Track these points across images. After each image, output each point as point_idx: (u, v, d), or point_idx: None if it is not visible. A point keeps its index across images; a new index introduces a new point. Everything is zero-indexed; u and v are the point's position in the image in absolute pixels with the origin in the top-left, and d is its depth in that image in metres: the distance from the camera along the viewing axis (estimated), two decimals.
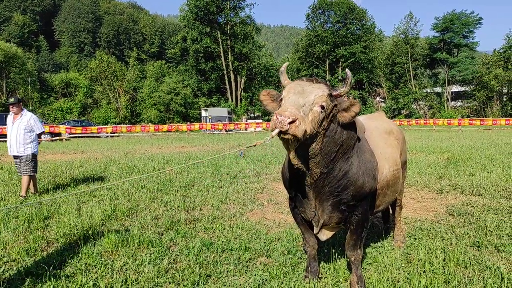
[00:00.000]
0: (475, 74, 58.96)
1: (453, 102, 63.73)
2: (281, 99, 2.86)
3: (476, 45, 63.98)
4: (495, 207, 6.08)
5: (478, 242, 4.50)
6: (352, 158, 3.09)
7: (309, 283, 3.47)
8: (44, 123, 30.97)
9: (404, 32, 63.50)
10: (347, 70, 2.96)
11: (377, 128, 3.94)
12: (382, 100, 67.49)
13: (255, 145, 3.07)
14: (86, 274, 3.71)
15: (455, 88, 63.86)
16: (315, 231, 3.31)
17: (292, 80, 3.04)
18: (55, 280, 3.54)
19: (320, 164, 2.92)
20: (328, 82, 2.98)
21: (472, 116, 52.07)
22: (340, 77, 61.41)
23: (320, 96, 2.76)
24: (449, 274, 3.62)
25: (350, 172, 3.06)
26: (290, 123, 2.51)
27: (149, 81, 59.21)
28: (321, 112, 2.75)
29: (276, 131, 2.60)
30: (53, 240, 4.80)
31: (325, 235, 3.42)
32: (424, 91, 62.70)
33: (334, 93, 2.90)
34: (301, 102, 2.70)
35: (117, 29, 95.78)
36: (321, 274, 3.73)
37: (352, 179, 3.07)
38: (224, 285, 3.53)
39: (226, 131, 38.43)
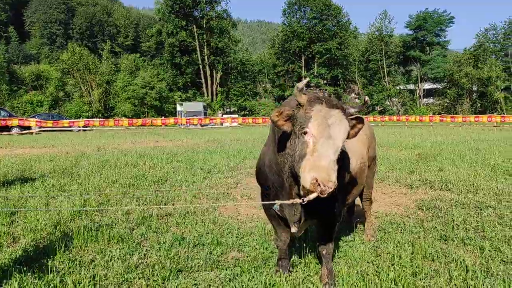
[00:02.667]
0: (446, 72, 60.50)
1: (425, 99, 65.24)
2: (303, 127, 2.64)
3: (448, 44, 65.72)
4: (462, 202, 6.24)
5: (445, 235, 4.61)
6: None
7: (280, 277, 3.48)
8: (14, 117, 30.14)
9: (379, 30, 64.55)
10: (367, 97, 2.89)
11: None
12: (357, 97, 68.41)
13: (291, 203, 2.95)
14: (53, 271, 3.62)
15: (427, 86, 65.40)
16: (294, 230, 3.28)
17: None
18: (20, 276, 3.44)
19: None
20: (338, 101, 2.82)
21: (443, 113, 53.41)
22: (315, 73, 61.85)
23: (345, 137, 2.68)
24: (416, 267, 3.69)
25: None
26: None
27: (123, 75, 58.28)
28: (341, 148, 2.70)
29: (315, 195, 2.54)
30: (20, 235, 4.67)
31: (300, 231, 3.44)
32: (398, 88, 63.97)
33: (348, 111, 2.78)
34: (334, 155, 2.56)
35: (90, 21, 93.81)
36: (292, 268, 3.75)
37: None
38: (195, 280, 3.50)
39: (201, 125, 38.21)
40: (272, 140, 3.20)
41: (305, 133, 2.63)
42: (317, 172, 2.44)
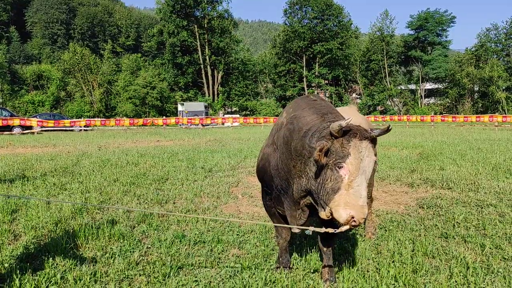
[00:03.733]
0: (448, 72, 60.39)
1: (426, 99, 65.14)
2: (340, 160, 2.59)
3: (449, 44, 65.51)
4: (463, 200, 6.24)
5: (446, 233, 4.61)
6: None
7: (281, 274, 3.49)
8: (15, 116, 30.18)
9: (380, 30, 64.43)
10: (390, 125, 2.89)
11: None
12: (358, 97, 68.38)
13: (323, 231, 2.97)
14: (54, 267, 3.63)
15: (429, 86, 65.30)
16: (296, 230, 3.28)
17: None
18: (21, 273, 3.45)
19: None
20: (368, 131, 2.73)
21: (444, 113, 53.33)
22: (317, 73, 61.81)
23: (373, 168, 2.74)
24: (417, 264, 3.70)
25: None
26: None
27: (124, 75, 58.27)
28: None
29: (347, 227, 2.62)
30: (21, 233, 4.68)
31: (299, 229, 3.44)
32: (399, 88, 63.88)
33: (373, 138, 2.72)
34: (366, 190, 2.63)
35: (92, 21, 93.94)
36: (293, 265, 3.76)
37: None
38: (196, 277, 3.51)
39: (202, 125, 38.22)
40: (282, 149, 3.16)
41: (341, 167, 2.60)
42: (353, 209, 2.52)
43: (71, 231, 4.63)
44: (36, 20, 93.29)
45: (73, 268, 3.65)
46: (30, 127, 28.80)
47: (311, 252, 4.00)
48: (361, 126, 2.75)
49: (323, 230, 2.96)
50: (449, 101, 60.41)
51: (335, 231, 2.83)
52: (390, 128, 2.82)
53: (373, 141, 2.74)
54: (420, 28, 63.40)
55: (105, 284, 3.38)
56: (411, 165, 9.75)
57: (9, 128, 27.68)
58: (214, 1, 60.72)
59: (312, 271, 3.65)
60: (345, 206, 2.54)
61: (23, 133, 27.16)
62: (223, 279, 3.48)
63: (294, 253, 4.05)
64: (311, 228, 3.03)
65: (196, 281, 3.43)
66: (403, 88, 64.33)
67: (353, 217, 2.51)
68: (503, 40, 58.85)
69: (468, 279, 3.39)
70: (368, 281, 3.38)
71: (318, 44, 60.64)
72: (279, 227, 3.59)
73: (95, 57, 59.65)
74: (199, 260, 3.88)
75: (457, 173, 8.54)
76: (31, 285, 3.25)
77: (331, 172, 2.63)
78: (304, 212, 3.15)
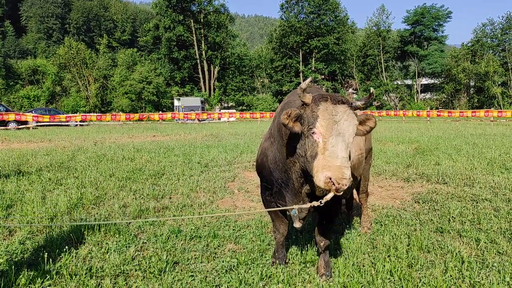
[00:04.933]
0: (444, 67, 60.51)
1: (422, 94, 65.27)
2: (311, 126, 2.64)
3: (445, 39, 65.57)
4: (458, 195, 6.26)
5: (441, 228, 4.63)
6: None
7: (277, 269, 3.50)
8: (10, 111, 30.01)
9: (376, 25, 64.36)
10: (372, 89, 2.87)
11: None
12: (354, 92, 68.38)
13: (308, 206, 2.95)
14: (49, 263, 3.62)
15: (425, 81, 65.38)
16: (298, 225, 3.29)
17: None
18: (16, 269, 3.43)
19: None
20: (343, 97, 2.79)
21: (440, 108, 53.50)
22: (313, 68, 61.75)
23: (354, 132, 2.66)
24: (412, 258, 3.71)
25: None
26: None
27: (120, 69, 57.96)
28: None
29: (331, 194, 2.58)
30: (16, 228, 4.66)
31: (302, 224, 3.45)
32: (395, 83, 63.93)
33: (354, 105, 2.75)
34: (346, 150, 2.56)
35: (87, 15, 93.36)
36: (288, 260, 3.76)
37: None
38: (192, 272, 3.51)
39: (199, 120, 38.15)
40: (277, 138, 3.17)
41: (313, 133, 2.62)
42: (330, 170, 2.45)
43: (67, 226, 4.61)
44: (31, 14, 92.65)
45: (69, 264, 3.64)
46: (25, 122, 28.64)
47: (307, 247, 4.00)
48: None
49: (308, 205, 2.93)
50: (445, 96, 60.55)
51: (320, 202, 2.76)
52: (372, 92, 2.81)
53: (369, 118, 2.82)
54: (416, 23, 63.41)
55: (101, 279, 3.37)
56: (407, 160, 9.77)
57: (4, 123, 27.54)
58: None
59: (308, 265, 3.65)
60: (322, 170, 2.49)
61: (19, 128, 27.03)
62: (219, 274, 3.49)
63: (290, 248, 4.06)
64: (296, 206, 3.04)
65: (192, 276, 3.43)
66: (399, 83, 64.41)
67: (330, 179, 2.44)
68: (499, 35, 58.90)
69: (463, 274, 3.40)
70: (363, 275, 3.39)
71: (315, 39, 60.50)
72: (277, 222, 3.60)
73: (90, 51, 59.30)
74: (195, 255, 3.88)
75: (453, 168, 8.57)
76: (26, 280, 3.24)
77: (307, 140, 2.66)
78: (305, 203, 3.13)
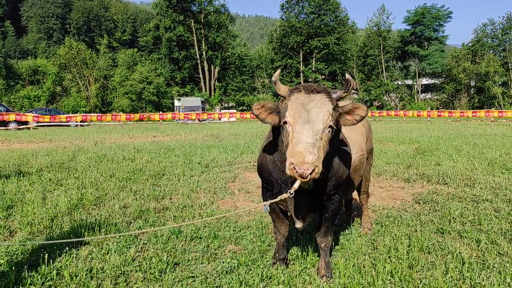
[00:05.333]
0: (444, 67, 60.51)
1: (423, 94, 65.29)
2: (283, 117, 2.69)
3: (446, 39, 65.61)
4: (459, 195, 6.26)
5: (442, 228, 4.63)
6: (336, 150, 3.10)
7: (277, 270, 3.49)
8: (11, 111, 30.03)
9: (377, 25, 64.42)
10: (348, 75, 2.87)
11: None
12: (355, 92, 68.35)
13: (279, 199, 2.95)
14: (50, 263, 3.62)
15: (425, 81, 65.40)
16: (299, 225, 3.28)
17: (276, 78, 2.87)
18: (17, 270, 3.43)
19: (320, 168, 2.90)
20: (322, 86, 2.82)
21: (440, 108, 53.48)
22: (313, 68, 61.75)
23: (327, 119, 2.61)
24: (413, 259, 3.71)
25: (333, 163, 3.08)
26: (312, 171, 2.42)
27: (120, 70, 58.03)
28: (330, 131, 2.66)
29: (298, 183, 2.57)
30: (16, 229, 4.66)
31: (303, 224, 3.44)
32: (395, 83, 63.95)
33: (335, 96, 2.76)
34: (313, 136, 2.52)
35: (88, 16, 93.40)
36: (289, 260, 3.76)
37: (335, 170, 3.10)
38: (192, 273, 3.50)
39: (199, 120, 38.15)
40: (272, 137, 3.20)
41: (285, 123, 2.66)
42: (293, 157, 2.45)
43: (67, 227, 4.61)
44: (31, 15, 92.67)
45: (69, 264, 3.64)
46: (26, 122, 28.66)
47: (308, 248, 4.00)
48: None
49: (278, 198, 2.95)
50: (446, 96, 60.56)
51: (289, 193, 2.75)
52: (348, 79, 2.83)
53: (357, 107, 2.81)
54: (417, 23, 63.45)
55: (101, 280, 3.37)
56: (407, 160, 9.76)
57: (4, 123, 27.56)
58: None
59: (308, 266, 3.65)
60: (288, 157, 2.49)
61: (19, 129, 27.04)
62: (219, 275, 3.48)
63: (290, 249, 4.05)
64: (267, 202, 3.10)
65: (192, 277, 3.43)
66: (399, 83, 64.42)
67: (293, 165, 2.42)
68: (500, 35, 58.94)
69: (463, 275, 3.40)
70: (364, 276, 3.38)
71: (315, 39, 60.54)
72: (278, 223, 3.59)
73: (91, 52, 59.37)
74: (195, 256, 3.88)
75: (453, 168, 8.56)
76: (27, 281, 3.24)
77: (282, 131, 2.73)
78: (303, 203, 3.13)
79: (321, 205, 3.26)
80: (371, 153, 4.63)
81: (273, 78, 2.84)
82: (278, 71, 3.04)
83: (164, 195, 6.45)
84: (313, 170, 2.42)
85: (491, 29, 59.98)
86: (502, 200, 5.88)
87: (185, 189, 6.86)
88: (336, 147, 3.06)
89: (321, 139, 2.57)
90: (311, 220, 4.62)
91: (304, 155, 2.43)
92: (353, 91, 69.07)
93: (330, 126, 2.64)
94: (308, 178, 2.43)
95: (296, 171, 2.42)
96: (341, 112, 2.80)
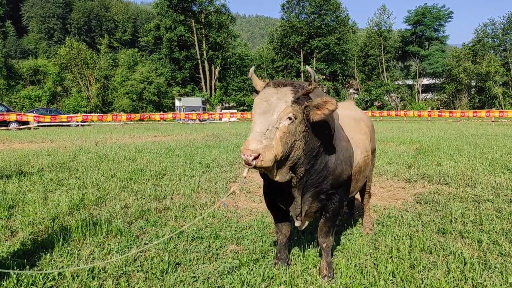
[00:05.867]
0: (445, 67, 60.42)
1: (423, 94, 65.23)
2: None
3: (446, 39, 65.55)
4: (460, 195, 6.25)
5: (443, 228, 4.62)
6: (330, 148, 3.10)
7: (279, 270, 3.49)
8: (11, 111, 30.04)
9: (377, 25, 64.32)
10: (307, 67, 2.91)
11: (348, 116, 3.98)
12: (355, 92, 68.35)
13: (233, 191, 3.12)
14: (52, 264, 3.62)
15: (426, 81, 65.34)
16: (298, 224, 3.30)
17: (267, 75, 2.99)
18: (18, 269, 3.43)
19: (304, 163, 2.91)
20: (296, 81, 2.91)
21: (441, 108, 53.40)
22: (314, 68, 61.71)
23: (283, 110, 2.68)
24: (414, 260, 3.71)
25: (329, 162, 3.08)
26: (255, 158, 2.52)
27: (121, 70, 58.02)
28: (291, 123, 2.69)
29: (246, 170, 2.68)
30: (18, 229, 4.67)
31: (304, 225, 3.44)
32: (396, 83, 63.86)
33: (302, 92, 2.79)
34: (265, 126, 2.63)
35: (88, 16, 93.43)
36: (291, 261, 3.76)
37: (331, 168, 3.09)
38: (193, 273, 3.50)
39: (200, 120, 38.14)
40: None
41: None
42: (241, 149, 2.57)
43: (69, 227, 4.61)
44: (32, 15, 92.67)
45: (71, 264, 3.64)
46: (26, 123, 28.68)
47: (310, 248, 4.00)
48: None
49: (229, 193, 3.14)
50: (446, 96, 60.47)
51: (244, 178, 2.93)
52: (307, 70, 2.87)
53: (326, 101, 2.80)
54: (417, 23, 63.38)
55: (103, 281, 3.37)
56: (408, 161, 9.76)
57: (5, 123, 27.58)
58: None
59: (310, 267, 3.65)
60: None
61: (20, 129, 27.06)
62: (221, 275, 3.48)
63: (292, 249, 4.05)
64: (223, 199, 3.27)
65: (194, 277, 3.43)
66: (400, 83, 64.34)
67: (241, 152, 2.54)
68: (500, 35, 58.86)
69: (465, 275, 3.40)
70: (366, 276, 3.38)
71: (316, 39, 60.48)
72: (279, 223, 3.59)
73: (91, 52, 59.37)
74: (197, 256, 3.88)
75: (454, 168, 8.55)
76: (28, 281, 3.24)
77: None
78: (297, 201, 3.20)
79: (321, 205, 3.26)
80: (373, 153, 4.63)
81: (249, 75, 3.02)
82: (253, 67, 3.24)
83: (165, 195, 6.45)
84: (256, 158, 2.52)
85: (492, 29, 59.93)
86: (504, 200, 5.87)
87: (186, 189, 6.86)
88: (329, 145, 3.07)
89: (277, 129, 2.64)
90: (312, 220, 4.63)
91: (250, 142, 2.57)
92: (353, 91, 69.15)
93: (290, 118, 2.68)
94: (253, 164, 2.54)
95: (242, 157, 2.55)
96: (310, 105, 2.79)
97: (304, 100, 2.78)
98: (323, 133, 2.97)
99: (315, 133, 2.88)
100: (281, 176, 2.83)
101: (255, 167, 2.56)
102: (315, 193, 3.14)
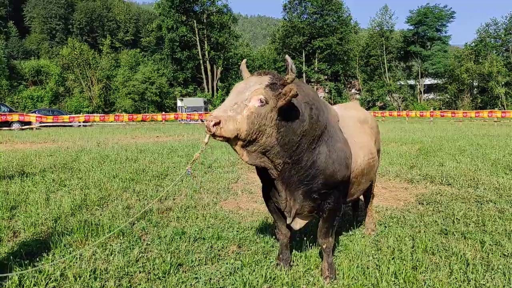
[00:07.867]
0: (447, 68, 60.29)
1: (425, 94, 65.10)
2: None
3: (448, 39, 65.41)
4: (463, 196, 6.24)
5: (446, 229, 4.61)
6: (320, 147, 3.08)
7: (281, 271, 3.49)
8: (14, 112, 30.11)
9: (379, 25, 64.27)
10: (286, 56, 2.90)
11: (352, 117, 3.96)
12: (357, 92, 68.30)
13: (196, 158, 3.14)
14: (54, 264, 3.62)
15: (428, 81, 65.22)
16: (288, 221, 3.32)
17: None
18: (21, 270, 3.44)
19: (280, 155, 2.91)
20: (276, 73, 2.96)
21: (443, 108, 53.27)
22: (316, 69, 61.72)
23: (255, 90, 2.75)
24: (417, 261, 3.70)
25: (318, 161, 3.06)
26: (215, 125, 2.59)
27: (123, 70, 58.07)
28: (261, 105, 2.73)
29: (207, 136, 2.73)
30: (20, 230, 4.67)
31: (298, 224, 3.44)
32: (398, 83, 63.77)
33: (280, 81, 2.81)
34: (234, 101, 2.73)
35: (90, 16, 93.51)
36: (293, 261, 3.75)
37: (321, 167, 3.07)
38: (196, 274, 3.50)
39: (202, 121, 38.13)
40: None
41: None
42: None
43: (71, 227, 4.62)
44: (34, 15, 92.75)
45: (73, 265, 3.65)
46: (29, 123, 28.75)
47: (311, 249, 4.00)
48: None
49: (193, 158, 3.14)
50: (448, 97, 60.35)
51: (205, 144, 2.98)
52: (286, 58, 2.87)
53: (280, 80, 2.85)
54: (419, 24, 63.24)
55: (105, 281, 3.37)
56: (410, 161, 9.75)
57: (8, 123, 27.65)
58: None
59: (312, 268, 3.64)
60: None
61: (22, 129, 27.12)
62: (223, 276, 3.48)
63: (294, 250, 4.04)
64: (188, 166, 3.25)
65: (196, 278, 3.43)
66: (402, 83, 64.23)
67: (204, 120, 2.73)
68: (503, 35, 58.74)
69: (468, 276, 3.39)
70: (368, 278, 3.38)
71: (318, 39, 60.48)
72: (279, 223, 3.59)
73: (93, 52, 59.45)
74: (199, 257, 3.88)
75: (457, 169, 8.54)
76: (31, 282, 3.25)
77: None
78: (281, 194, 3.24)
79: (315, 204, 3.24)
80: (378, 154, 4.62)
81: (241, 67, 3.26)
82: (245, 60, 3.45)
83: (167, 196, 6.45)
84: (216, 124, 2.61)
85: (494, 29, 59.81)
86: (506, 201, 5.86)
87: (188, 190, 6.87)
88: (315, 143, 3.04)
89: (246, 106, 2.71)
90: (314, 221, 4.62)
91: (213, 112, 2.69)
92: (355, 91, 69.10)
93: (261, 100, 2.73)
94: (213, 131, 2.62)
95: (205, 124, 2.66)
96: (281, 93, 2.79)
97: (279, 88, 2.80)
98: (304, 129, 2.92)
99: (292, 127, 2.88)
100: (250, 159, 2.89)
101: (214, 135, 2.65)
102: (306, 191, 3.14)
